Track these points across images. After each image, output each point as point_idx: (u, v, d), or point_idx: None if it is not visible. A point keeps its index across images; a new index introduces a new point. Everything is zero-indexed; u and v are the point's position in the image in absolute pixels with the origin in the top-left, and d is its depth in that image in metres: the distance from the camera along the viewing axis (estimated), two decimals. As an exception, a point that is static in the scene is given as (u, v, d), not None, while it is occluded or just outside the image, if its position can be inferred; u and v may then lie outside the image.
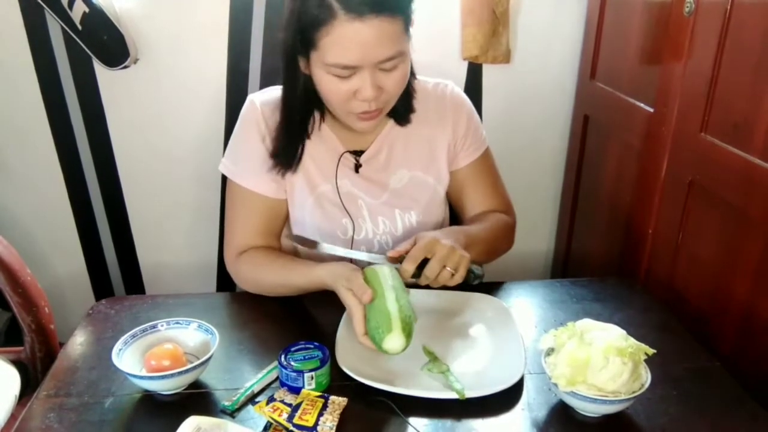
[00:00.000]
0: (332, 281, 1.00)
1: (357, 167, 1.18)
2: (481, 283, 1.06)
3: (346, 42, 0.94)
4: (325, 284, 1.02)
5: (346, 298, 0.96)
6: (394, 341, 0.89)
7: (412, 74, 1.11)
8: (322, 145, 1.16)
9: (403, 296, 0.94)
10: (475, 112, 1.25)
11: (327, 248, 1.07)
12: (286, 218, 1.20)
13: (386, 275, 0.97)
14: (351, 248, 1.18)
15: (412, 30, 1.02)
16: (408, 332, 0.91)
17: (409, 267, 0.98)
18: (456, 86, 1.25)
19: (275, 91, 1.17)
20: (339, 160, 1.16)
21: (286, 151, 1.12)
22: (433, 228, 1.25)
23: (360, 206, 1.18)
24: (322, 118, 1.15)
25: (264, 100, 1.15)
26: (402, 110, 1.15)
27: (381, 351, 0.91)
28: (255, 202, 1.15)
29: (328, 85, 1.00)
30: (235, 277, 1.18)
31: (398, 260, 1.01)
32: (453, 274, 0.98)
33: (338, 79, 0.99)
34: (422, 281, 1.00)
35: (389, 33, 0.96)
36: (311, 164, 1.16)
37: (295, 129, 1.12)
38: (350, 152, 1.17)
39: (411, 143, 1.20)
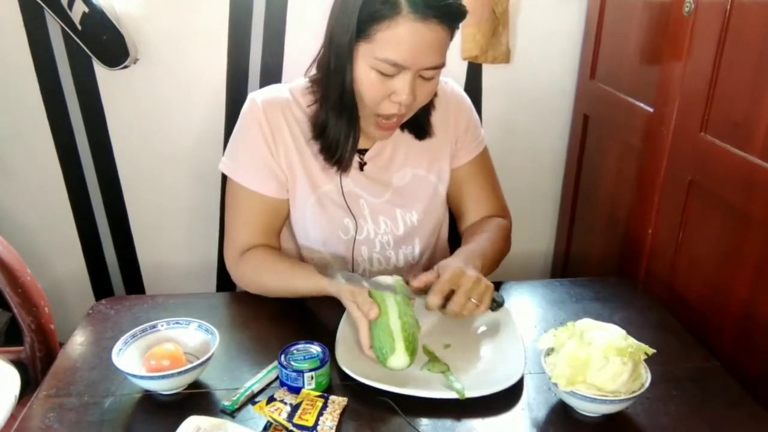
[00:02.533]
0: (337, 291, 1.00)
1: (361, 165, 1.18)
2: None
3: (403, 40, 0.95)
4: (329, 293, 1.03)
5: (352, 310, 0.96)
6: (397, 361, 0.91)
7: None
8: None
9: (406, 312, 0.95)
10: (474, 110, 1.26)
11: (363, 281, 0.99)
12: (287, 217, 1.20)
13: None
14: (352, 248, 1.18)
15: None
16: (411, 350, 0.92)
17: (436, 300, 0.96)
18: (456, 84, 1.25)
19: (276, 90, 1.16)
20: None
21: (343, 147, 1.09)
22: (434, 228, 1.25)
23: (362, 206, 1.18)
24: None
25: (265, 99, 1.14)
26: (423, 123, 1.16)
27: (385, 368, 0.92)
28: (256, 202, 1.15)
29: (367, 79, 1.00)
30: (236, 277, 1.17)
31: (423, 291, 0.99)
32: (478, 305, 0.98)
33: (380, 77, 0.99)
34: (447, 314, 0.98)
35: (442, 42, 0.98)
36: (314, 163, 1.15)
37: (349, 119, 1.07)
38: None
39: (414, 141, 1.20)
